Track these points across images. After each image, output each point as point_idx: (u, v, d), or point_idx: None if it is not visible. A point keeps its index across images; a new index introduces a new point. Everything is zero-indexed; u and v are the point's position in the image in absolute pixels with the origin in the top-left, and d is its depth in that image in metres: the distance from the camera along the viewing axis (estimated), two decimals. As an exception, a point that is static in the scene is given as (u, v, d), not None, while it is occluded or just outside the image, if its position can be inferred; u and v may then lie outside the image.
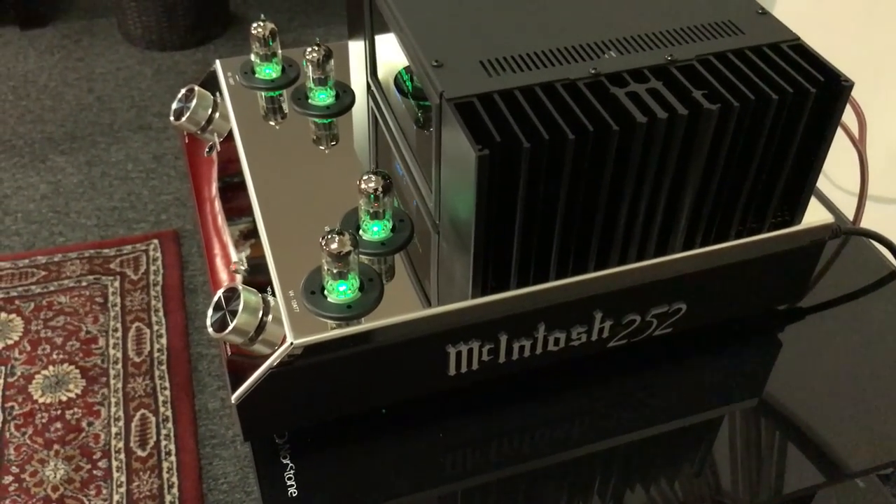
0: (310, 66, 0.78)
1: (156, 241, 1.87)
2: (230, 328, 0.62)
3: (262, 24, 0.80)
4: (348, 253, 0.61)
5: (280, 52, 0.82)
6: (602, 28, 0.67)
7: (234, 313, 0.62)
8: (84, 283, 1.78)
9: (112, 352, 1.67)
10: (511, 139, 0.57)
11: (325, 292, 0.63)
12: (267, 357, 0.62)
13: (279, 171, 0.75)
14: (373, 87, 0.81)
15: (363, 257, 0.66)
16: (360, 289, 0.64)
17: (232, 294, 0.63)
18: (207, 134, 0.81)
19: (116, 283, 1.79)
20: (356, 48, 0.84)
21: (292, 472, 0.66)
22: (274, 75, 0.82)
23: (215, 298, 0.64)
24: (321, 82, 0.79)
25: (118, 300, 1.76)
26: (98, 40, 2.37)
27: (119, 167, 2.01)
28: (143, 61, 2.30)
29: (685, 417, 0.71)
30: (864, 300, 0.81)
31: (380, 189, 0.65)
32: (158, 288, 1.79)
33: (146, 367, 1.65)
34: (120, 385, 1.62)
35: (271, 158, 0.76)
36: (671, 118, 0.59)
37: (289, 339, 0.61)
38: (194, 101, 0.80)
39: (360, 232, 0.68)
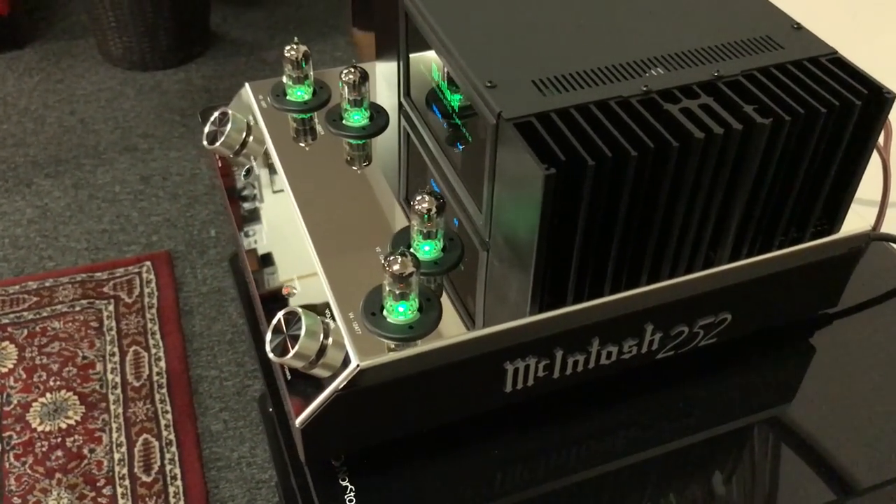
0: (346, 88, 0.78)
1: (148, 262, 1.86)
2: (293, 352, 0.62)
3: (295, 46, 0.80)
4: (411, 274, 0.61)
5: (312, 74, 0.82)
6: (646, 45, 0.68)
7: (295, 337, 0.62)
8: (78, 308, 1.75)
9: (110, 377, 1.65)
10: (574, 157, 0.58)
11: (385, 313, 0.63)
12: (327, 379, 0.62)
13: (321, 192, 0.75)
14: (406, 107, 0.82)
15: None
16: (419, 309, 0.64)
17: (291, 317, 0.63)
18: (241, 157, 0.81)
19: (111, 307, 1.77)
20: (384, 69, 0.85)
21: (352, 493, 0.66)
22: (306, 97, 0.82)
23: (274, 322, 0.64)
24: (357, 104, 0.79)
25: (114, 324, 1.74)
26: (78, 62, 2.34)
27: (106, 189, 1.99)
28: (125, 82, 2.28)
29: (726, 424, 0.73)
30: (891, 303, 0.83)
31: (433, 209, 0.65)
32: (154, 310, 1.77)
33: (146, 390, 1.63)
34: (120, 410, 1.60)
35: (312, 180, 0.76)
36: (727, 133, 0.60)
37: (354, 362, 0.61)
38: (228, 125, 0.80)
39: (411, 249, 0.68)
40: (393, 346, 0.63)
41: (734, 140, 0.61)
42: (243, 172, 0.80)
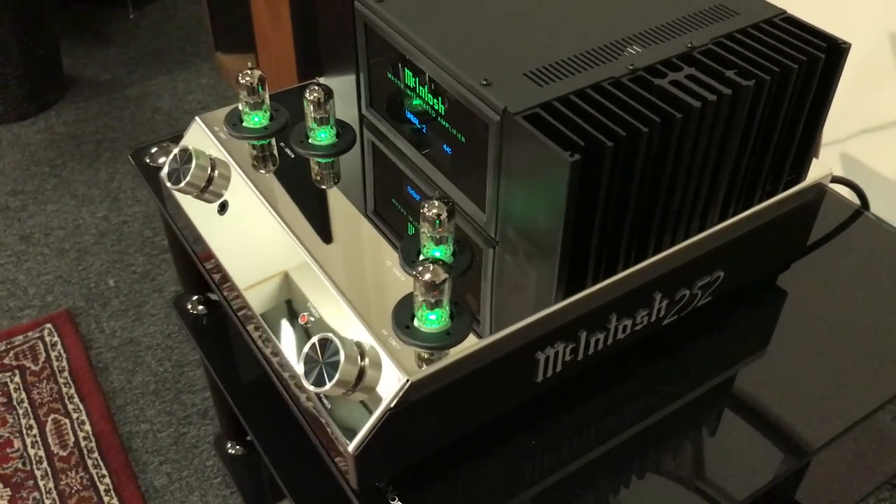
0: (311, 106, 0.77)
1: (49, 325, 1.75)
2: (335, 380, 0.61)
3: (249, 72, 0.78)
4: (444, 281, 0.61)
5: (268, 99, 0.80)
6: (614, 27, 0.70)
7: (333, 364, 0.61)
8: (-19, 386, 1.64)
9: (32, 451, 1.55)
10: (591, 141, 0.59)
11: (418, 323, 0.63)
12: (370, 401, 0.61)
13: (311, 215, 0.73)
14: (370, 119, 0.81)
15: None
16: (450, 314, 0.64)
17: (325, 344, 0.62)
18: (207, 194, 0.78)
19: (17, 378, 1.66)
20: (334, 84, 0.84)
21: (408, 510, 0.66)
22: (265, 123, 0.80)
23: (306, 351, 0.63)
24: (323, 122, 0.78)
25: (24, 395, 1.63)
26: (-76, 125, 2.18)
27: (-16, 255, 1.86)
28: (-19, 140, 2.13)
29: (725, 372, 0.76)
30: (840, 238, 0.89)
31: (444, 214, 0.65)
32: (66, 374, 1.67)
33: (76, 458, 1.54)
34: (51, 485, 1.50)
35: (296, 205, 0.74)
36: (719, 99, 0.63)
37: (403, 377, 0.60)
38: (193, 162, 0.77)
39: (420, 257, 0.68)
40: (426, 355, 0.62)
41: (726, 105, 0.64)
42: (217, 209, 0.78)
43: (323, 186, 0.77)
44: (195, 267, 1.04)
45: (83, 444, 1.56)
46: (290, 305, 0.69)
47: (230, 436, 1.27)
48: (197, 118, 0.82)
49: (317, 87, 0.76)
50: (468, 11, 0.73)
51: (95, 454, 1.54)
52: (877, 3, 1.26)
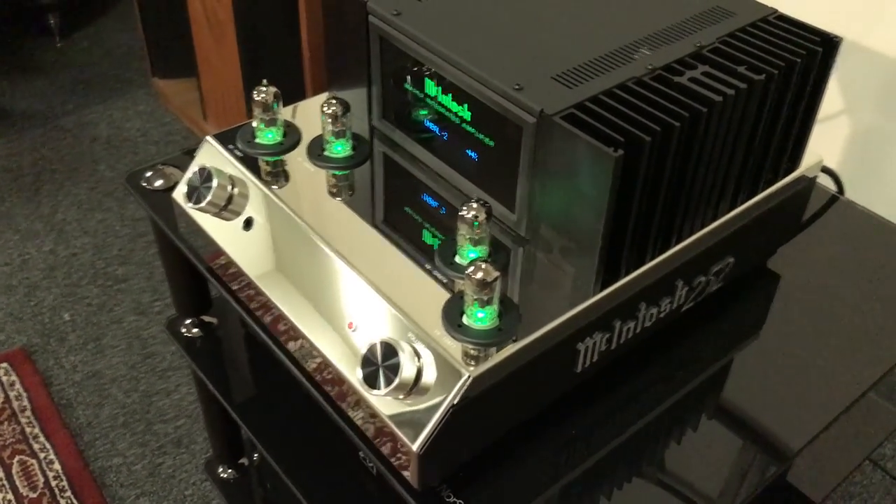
0: (328, 120, 0.78)
1: (5, 364, 1.70)
2: (396, 382, 0.62)
3: (264, 89, 0.79)
4: (496, 279, 0.63)
5: (281, 115, 0.81)
6: (624, 31, 0.74)
7: (393, 367, 0.63)
8: (-61, 431, 1.57)
9: (0, 496, 1.50)
10: (629, 137, 0.63)
11: (469, 321, 0.65)
12: (429, 399, 0.63)
13: (338, 225, 0.74)
14: (382, 130, 0.83)
15: (461, 281, 0.68)
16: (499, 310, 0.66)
17: (384, 347, 0.63)
18: (226, 212, 0.79)
19: (-24, 421, 1.60)
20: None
21: (466, 506, 0.67)
22: (279, 139, 0.81)
23: (362, 357, 0.64)
24: (340, 135, 0.79)
25: (-15, 438, 1.58)
26: None
27: (-72, 297, 1.80)
28: (-88, 179, 2.06)
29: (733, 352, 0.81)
30: (820, 222, 0.95)
31: (482, 216, 0.68)
32: (28, 413, 1.62)
33: (47, 499, 1.50)
34: (25, 527, 1.46)
35: (323, 215, 0.75)
36: (736, 93, 0.67)
37: (465, 373, 0.62)
38: (214, 181, 0.77)
39: (457, 257, 0.70)
40: (476, 352, 0.64)
41: (742, 98, 0.68)
42: (242, 226, 0.78)
43: (345, 197, 0.78)
44: (192, 289, 1.04)
45: (54, 483, 1.52)
46: (334, 315, 0.70)
47: (222, 459, 1.26)
48: (208, 138, 0.82)
49: (335, 101, 0.78)
50: (482, 20, 0.75)
51: (68, 493, 1.50)
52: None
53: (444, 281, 0.70)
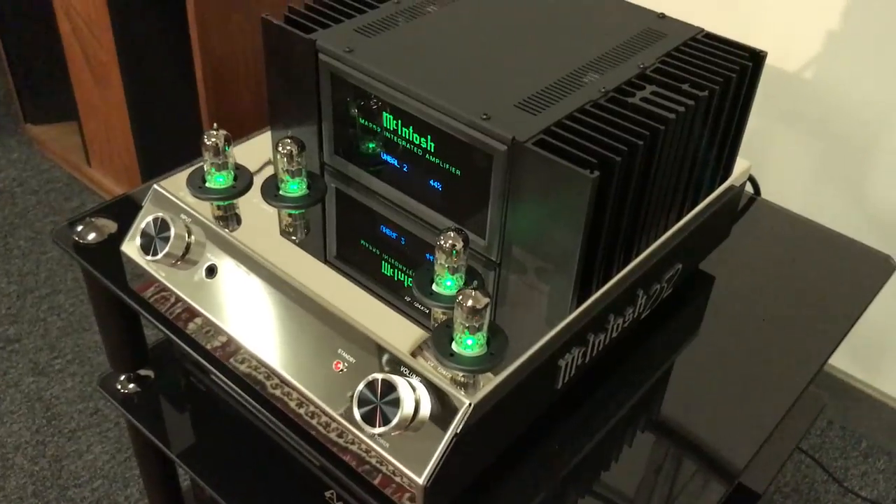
0: (283, 160, 0.78)
1: None
2: (397, 418, 0.63)
3: (214, 132, 0.78)
4: (486, 306, 0.65)
5: (232, 158, 0.80)
6: (569, 58, 0.77)
7: (393, 402, 0.63)
8: None
9: None
10: (601, 158, 0.66)
11: (459, 349, 0.66)
12: (428, 430, 0.63)
13: (307, 264, 0.74)
14: (335, 167, 0.83)
15: (440, 310, 0.70)
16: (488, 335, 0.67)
17: (378, 385, 0.63)
18: (183, 262, 0.77)
19: None
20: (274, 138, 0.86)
21: (468, 531, 0.68)
22: (231, 182, 0.80)
23: (357, 396, 0.64)
24: (296, 174, 0.79)
25: None
26: None
27: None
28: None
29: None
30: (743, 222, 1.02)
31: (459, 244, 0.69)
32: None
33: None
34: None
35: (289, 256, 0.75)
36: (686, 110, 0.71)
37: (465, 402, 0.63)
38: (171, 230, 0.75)
39: (434, 286, 0.71)
40: (465, 378, 0.65)
41: (690, 113, 0.72)
42: (203, 274, 0.76)
43: (309, 237, 0.78)
44: (130, 344, 1.00)
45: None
46: (318, 357, 0.69)
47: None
48: (156, 185, 0.80)
49: (289, 140, 0.77)
50: (433, 54, 0.77)
51: (-16, 572, 1.41)
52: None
53: (425, 311, 0.70)
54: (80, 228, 0.92)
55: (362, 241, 0.78)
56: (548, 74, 0.75)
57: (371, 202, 0.81)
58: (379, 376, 0.64)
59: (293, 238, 0.78)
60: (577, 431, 0.77)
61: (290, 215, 0.80)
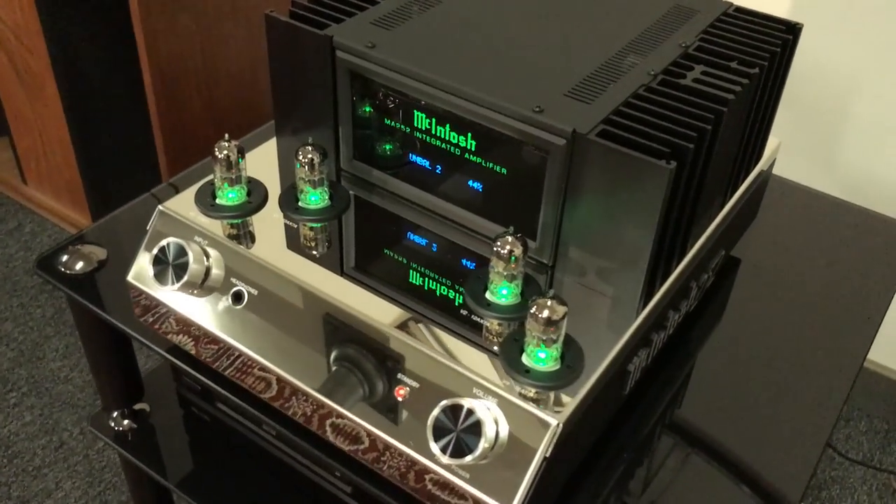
0: (305, 168, 0.71)
1: None
2: (481, 446, 0.57)
3: (227, 143, 0.70)
4: (564, 316, 0.59)
5: (245, 171, 0.73)
6: (605, 42, 0.72)
7: (472, 429, 0.57)
8: None
9: None
10: (673, 147, 0.61)
11: (532, 363, 0.61)
12: (511, 454, 0.58)
13: (345, 282, 0.68)
14: (355, 173, 0.77)
15: (497, 322, 0.65)
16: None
17: (458, 411, 0.58)
18: (201, 290, 0.70)
19: None
20: (289, 144, 0.78)
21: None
22: (242, 198, 0.73)
23: (432, 425, 0.58)
24: (318, 183, 0.72)
25: None
26: None
27: None
28: None
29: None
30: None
31: (518, 250, 0.64)
32: None
33: None
34: None
35: (330, 276, 0.68)
36: (743, 88, 0.67)
37: (553, 422, 0.58)
38: (189, 256, 0.68)
39: (488, 295, 0.66)
40: (538, 394, 0.60)
41: (748, 91, 0.68)
42: (230, 300, 0.69)
43: (335, 251, 0.71)
44: (124, 378, 0.92)
45: None
46: (373, 383, 0.63)
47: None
48: (160, 206, 0.72)
49: (310, 148, 0.70)
50: (459, 45, 0.71)
51: None
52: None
53: (479, 324, 0.65)
54: (65, 258, 0.83)
55: (397, 252, 0.72)
56: (587, 60, 0.70)
57: (400, 209, 0.75)
58: (456, 401, 0.58)
59: (324, 254, 0.71)
60: (644, 436, 0.73)
61: (311, 229, 0.73)
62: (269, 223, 0.72)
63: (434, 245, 0.72)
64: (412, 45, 0.70)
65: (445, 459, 0.58)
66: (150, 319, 0.73)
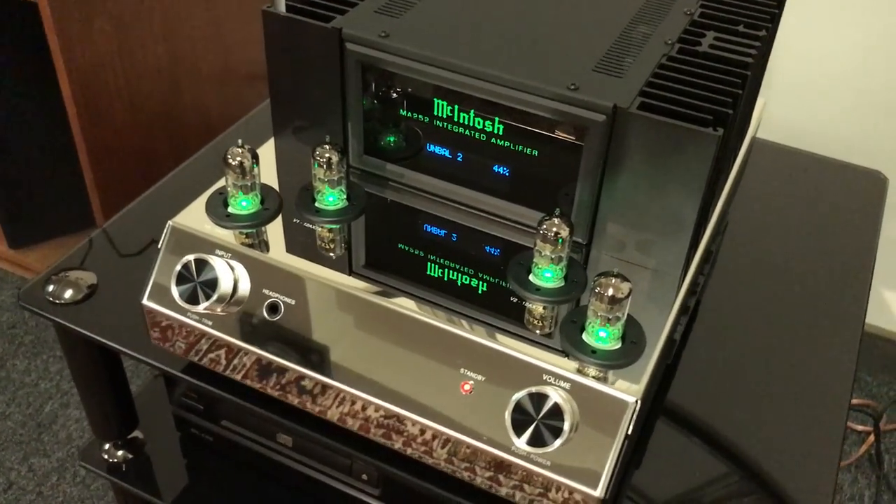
0: (323, 168, 0.68)
1: None
2: (565, 433, 0.57)
3: (240, 149, 0.67)
4: (629, 293, 0.59)
5: (259, 178, 0.69)
6: (609, 13, 0.72)
7: (553, 416, 0.57)
8: None
9: None
10: (715, 114, 0.61)
11: (594, 342, 0.60)
12: (589, 436, 0.58)
13: (382, 283, 0.65)
14: (365, 168, 0.74)
15: (542, 306, 0.64)
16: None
17: (536, 399, 0.57)
18: (228, 305, 0.66)
19: None
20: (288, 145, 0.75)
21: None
22: (257, 206, 0.69)
23: (510, 417, 0.57)
24: (336, 183, 0.69)
25: None
26: None
27: None
28: None
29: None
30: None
31: (565, 232, 0.63)
32: None
33: None
34: None
35: (353, 276, 0.66)
36: (757, 52, 0.68)
37: (630, 399, 0.58)
38: (215, 272, 0.64)
39: (533, 279, 0.65)
40: (601, 372, 0.60)
41: (760, 53, 0.69)
42: (265, 313, 0.66)
43: (355, 250, 0.69)
44: (117, 409, 0.87)
45: None
46: (439, 382, 0.61)
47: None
48: (171, 222, 0.68)
49: (328, 147, 0.67)
50: (474, 27, 0.70)
51: None
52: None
53: (530, 308, 0.64)
54: (51, 288, 0.78)
55: (426, 244, 0.70)
56: (602, 33, 0.69)
57: (420, 201, 0.73)
58: (536, 390, 0.57)
59: (351, 255, 0.68)
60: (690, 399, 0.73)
61: (331, 231, 0.70)
62: (289, 228, 0.69)
63: (462, 235, 0.71)
64: (425, 32, 0.68)
65: (530, 450, 0.57)
66: (173, 342, 0.69)
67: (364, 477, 0.81)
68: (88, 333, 0.74)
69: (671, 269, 0.66)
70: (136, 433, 0.92)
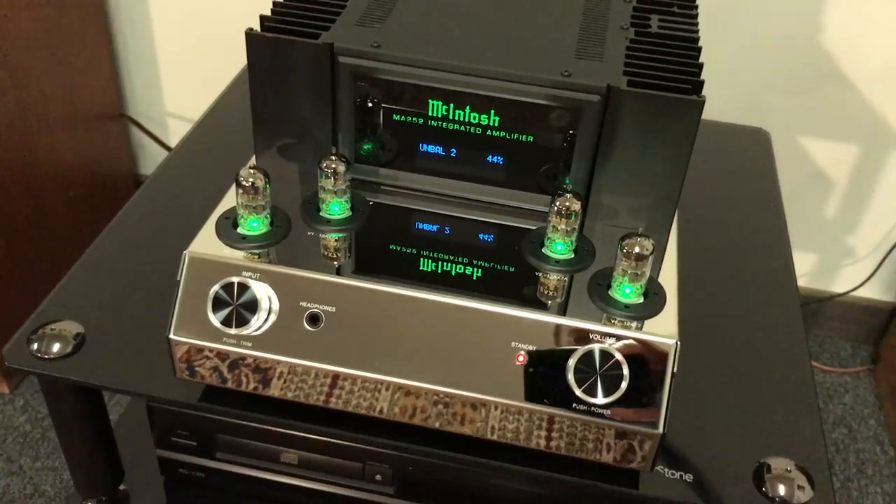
0: (331, 179, 0.70)
1: None
2: (625, 381, 0.63)
3: (252, 170, 0.68)
4: (653, 250, 0.66)
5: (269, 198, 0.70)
6: (566, 8, 0.79)
7: (612, 367, 0.63)
8: None
9: None
10: (691, 83, 0.69)
11: (622, 298, 0.66)
12: (638, 379, 0.64)
13: (414, 280, 0.68)
14: (357, 176, 0.77)
15: (555, 276, 0.70)
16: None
17: (591, 357, 0.63)
18: (264, 323, 0.67)
19: None
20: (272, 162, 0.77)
21: (671, 470, 0.70)
22: (268, 227, 0.70)
23: (571, 374, 0.63)
24: (342, 192, 0.72)
25: None
26: None
27: None
28: None
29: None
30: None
31: (577, 206, 0.68)
32: None
33: None
34: None
35: (384, 277, 0.68)
36: (697, 27, 0.77)
37: (671, 342, 0.64)
38: (253, 292, 0.65)
39: (547, 251, 0.70)
40: (634, 324, 0.66)
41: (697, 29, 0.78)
42: (305, 324, 0.67)
43: (378, 253, 0.72)
44: (103, 461, 0.84)
45: None
46: (494, 359, 0.65)
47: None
48: (186, 252, 0.68)
49: (334, 157, 0.70)
50: (456, 28, 0.75)
51: None
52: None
53: (546, 280, 0.69)
54: (34, 346, 0.75)
55: (435, 241, 0.73)
56: (566, 24, 0.76)
57: (417, 201, 0.76)
58: (588, 349, 0.63)
59: (365, 258, 0.71)
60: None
61: (337, 239, 0.72)
62: (302, 241, 0.71)
63: (465, 226, 0.75)
64: (413, 38, 0.72)
65: (595, 401, 0.62)
66: (205, 372, 0.69)
67: (378, 478, 0.83)
68: (111, 386, 0.72)
69: (662, 227, 0.74)
70: (123, 487, 0.89)
